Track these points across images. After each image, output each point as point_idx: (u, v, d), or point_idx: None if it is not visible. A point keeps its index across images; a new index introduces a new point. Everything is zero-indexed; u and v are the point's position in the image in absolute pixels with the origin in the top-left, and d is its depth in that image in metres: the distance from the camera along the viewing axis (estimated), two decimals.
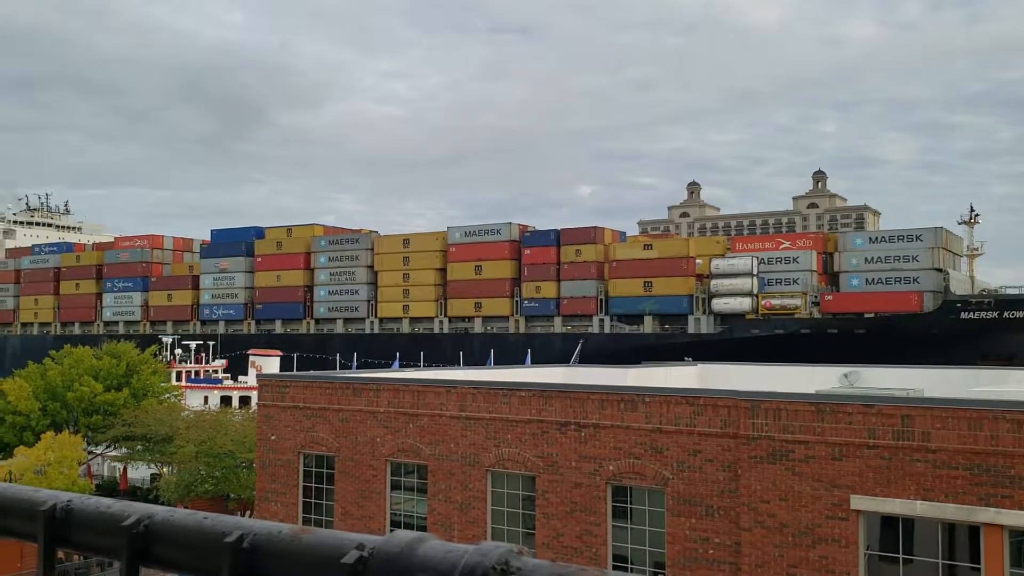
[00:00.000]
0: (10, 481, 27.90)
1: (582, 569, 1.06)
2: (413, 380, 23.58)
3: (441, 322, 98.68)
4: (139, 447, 47.28)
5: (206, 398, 63.23)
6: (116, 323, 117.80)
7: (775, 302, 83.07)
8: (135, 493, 45.86)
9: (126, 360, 57.10)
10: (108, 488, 49.57)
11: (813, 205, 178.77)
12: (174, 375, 69.32)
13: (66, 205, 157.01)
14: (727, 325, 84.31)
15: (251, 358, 69.38)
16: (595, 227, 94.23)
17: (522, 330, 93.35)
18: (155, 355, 64.24)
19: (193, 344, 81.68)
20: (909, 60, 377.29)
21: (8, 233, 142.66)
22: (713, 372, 30.77)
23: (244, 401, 61.19)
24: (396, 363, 60.14)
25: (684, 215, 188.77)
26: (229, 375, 75.44)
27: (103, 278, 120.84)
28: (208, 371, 76.45)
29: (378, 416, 22.67)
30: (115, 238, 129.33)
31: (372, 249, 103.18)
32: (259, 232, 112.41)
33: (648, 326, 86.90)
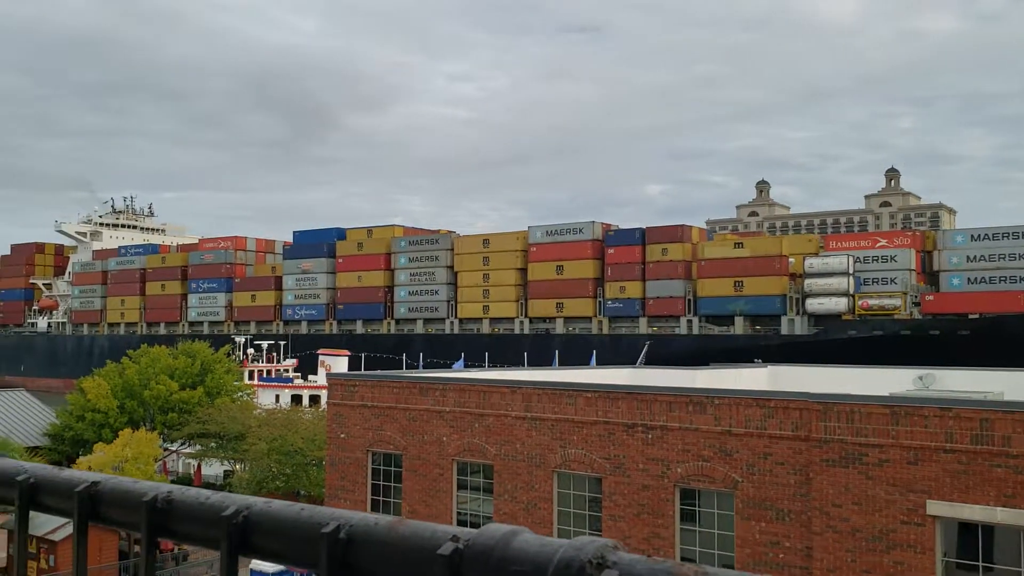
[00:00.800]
0: None
1: (679, 564, 1.07)
2: (479, 380, 24.76)
3: (522, 323, 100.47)
4: (213, 444, 50.18)
5: (277, 397, 66.44)
6: (200, 323, 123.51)
7: (873, 302, 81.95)
8: (208, 490, 48.41)
9: (200, 359, 60.44)
10: (182, 484, 52.36)
11: (886, 203, 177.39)
12: (246, 374, 72.92)
13: (150, 207, 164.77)
14: (822, 326, 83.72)
15: (320, 358, 72.35)
16: (682, 225, 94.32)
17: (605, 331, 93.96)
18: (228, 355, 67.75)
19: (265, 344, 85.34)
20: (989, 53, 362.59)
21: (95, 235, 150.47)
22: (784, 374, 31.04)
23: (314, 400, 64.11)
24: (460, 363, 61.77)
25: (753, 214, 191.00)
26: (299, 374, 78.87)
27: (188, 279, 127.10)
28: (279, 370, 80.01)
29: (444, 416, 23.92)
30: (199, 240, 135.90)
31: (452, 249, 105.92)
32: (340, 233, 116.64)
33: (739, 327, 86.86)
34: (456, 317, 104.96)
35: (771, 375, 31.62)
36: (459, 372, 35.19)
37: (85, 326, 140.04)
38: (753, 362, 37.58)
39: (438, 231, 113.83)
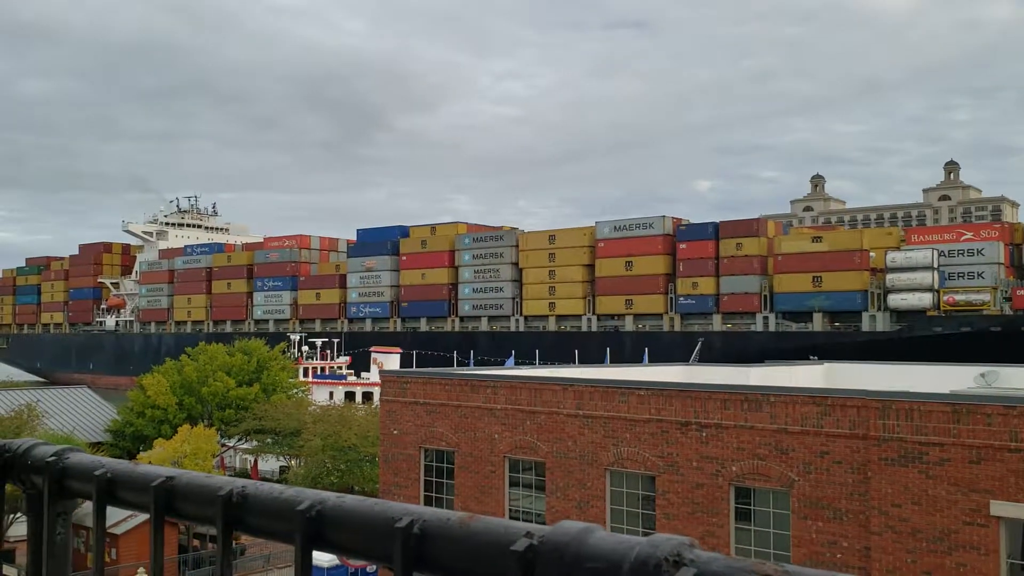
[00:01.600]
0: None
1: (759, 562, 1.08)
2: (530, 378, 25.56)
3: (589, 320, 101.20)
4: (269, 440, 52.46)
5: (331, 393, 68.86)
6: (266, 321, 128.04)
7: (959, 297, 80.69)
8: None
9: (256, 357, 62.92)
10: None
11: (945, 197, 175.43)
12: (301, 371, 75.59)
13: (214, 207, 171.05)
14: (906, 322, 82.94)
15: (373, 355, 74.63)
16: (757, 218, 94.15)
17: (677, 328, 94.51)
18: (284, 352, 70.28)
19: (319, 342, 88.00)
20: None
21: (161, 235, 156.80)
22: (840, 371, 31.11)
23: (367, 397, 66.40)
24: (510, 360, 62.76)
25: (807, 209, 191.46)
26: (352, 371, 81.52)
27: (253, 277, 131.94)
28: (333, 367, 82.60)
29: (496, 413, 24.78)
30: (264, 239, 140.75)
31: (517, 246, 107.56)
32: (403, 231, 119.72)
33: (818, 324, 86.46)
34: (521, 314, 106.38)
35: (827, 372, 31.76)
36: (510, 370, 36.06)
37: (152, 324, 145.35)
38: (808, 359, 37.61)
39: (501, 228, 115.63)
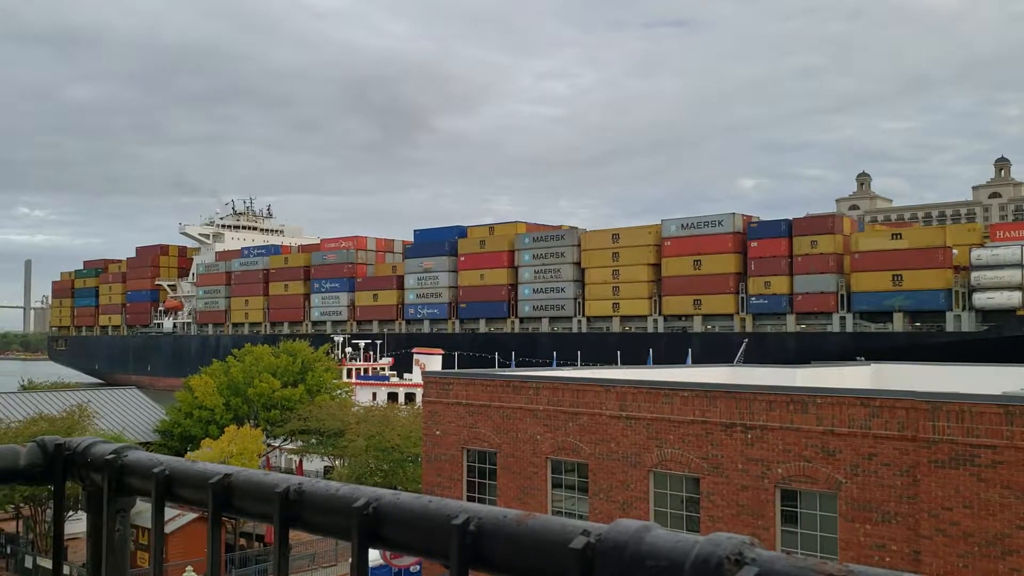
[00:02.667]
0: None
1: (822, 562, 1.08)
2: (572, 379, 25.98)
3: (655, 321, 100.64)
4: (313, 440, 53.82)
5: (374, 394, 70.28)
6: (324, 322, 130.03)
7: None
8: None
9: (301, 358, 64.54)
10: None
11: (995, 195, 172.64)
12: (344, 372, 77.21)
13: (268, 209, 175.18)
14: (992, 322, 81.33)
15: (415, 356, 75.89)
16: (833, 215, 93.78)
17: (748, 329, 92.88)
18: (327, 353, 71.78)
19: (362, 343, 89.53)
20: None
21: (217, 237, 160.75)
22: (888, 372, 30.98)
23: (409, 398, 67.70)
24: (554, 362, 62.97)
25: (853, 207, 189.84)
26: (395, 372, 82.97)
27: (310, 279, 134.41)
28: (376, 369, 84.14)
29: (538, 414, 25.26)
30: (320, 240, 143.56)
31: (579, 245, 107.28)
32: (461, 231, 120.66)
33: (898, 324, 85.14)
34: (584, 315, 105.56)
35: (875, 373, 31.66)
36: (552, 371, 36.50)
37: (210, 326, 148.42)
38: (856, 360, 37.37)
39: (560, 227, 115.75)
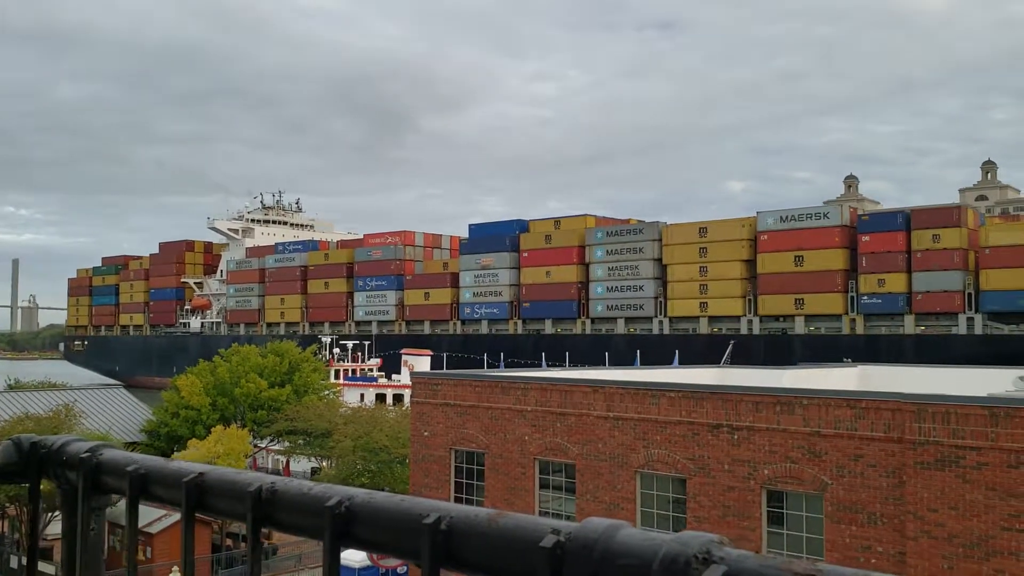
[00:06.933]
0: None
1: (790, 561, 1.07)
2: (560, 380, 25.45)
3: (750, 321, 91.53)
4: (300, 441, 52.89)
5: (362, 395, 69.35)
6: (368, 322, 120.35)
7: None
8: None
9: (288, 359, 63.59)
10: None
11: (982, 197, 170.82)
12: (332, 373, 76.13)
13: (297, 203, 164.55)
14: None
15: (403, 357, 75.06)
16: (958, 207, 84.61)
17: (859, 330, 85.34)
18: (315, 354, 70.88)
19: (350, 344, 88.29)
20: None
21: (247, 232, 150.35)
22: (875, 374, 30.70)
23: (397, 399, 66.81)
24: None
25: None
26: (383, 373, 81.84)
27: (354, 276, 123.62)
28: (364, 370, 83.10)
29: (526, 415, 24.70)
30: (364, 235, 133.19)
31: (660, 240, 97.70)
32: (522, 225, 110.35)
33: None
34: (666, 315, 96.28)
35: (861, 375, 31.36)
36: (541, 372, 35.98)
37: (242, 326, 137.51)
38: (843, 361, 37.09)
39: (628, 220, 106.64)
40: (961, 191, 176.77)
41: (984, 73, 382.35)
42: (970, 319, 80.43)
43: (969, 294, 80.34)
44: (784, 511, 20.85)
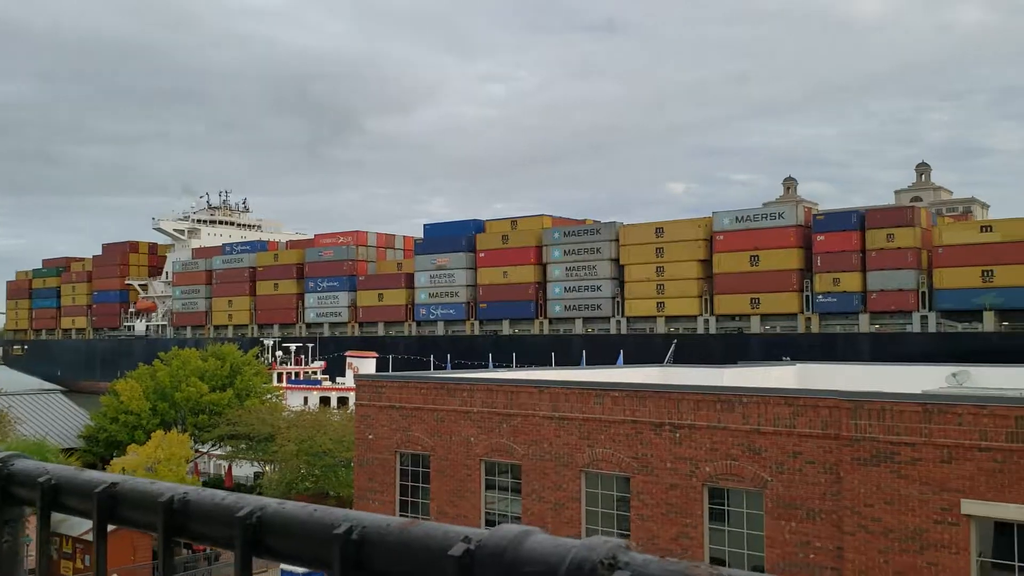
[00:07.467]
0: None
1: (693, 564, 1.09)
2: (506, 381, 25.38)
3: (707, 321, 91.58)
4: (243, 446, 51.86)
5: (306, 399, 68.07)
6: (320, 324, 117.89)
7: None
8: (239, 490, 49.95)
9: (230, 362, 62.28)
10: (214, 485, 54.03)
11: (917, 198, 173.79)
12: (275, 376, 74.68)
13: (244, 203, 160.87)
14: None
15: (348, 359, 73.98)
16: (912, 206, 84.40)
17: (815, 329, 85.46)
18: (257, 357, 69.56)
19: (293, 346, 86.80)
20: (1022, 45, 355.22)
21: (193, 232, 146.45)
22: (813, 372, 31.29)
23: (342, 402, 65.63)
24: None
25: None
26: (327, 376, 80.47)
27: (304, 277, 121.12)
28: (307, 372, 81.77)
29: (472, 416, 24.58)
30: (315, 235, 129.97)
31: (617, 240, 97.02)
32: (478, 225, 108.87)
33: (988, 323, 77.49)
34: (623, 315, 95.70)
35: (800, 373, 31.91)
36: (486, 372, 35.86)
37: (188, 328, 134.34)
38: (781, 360, 37.70)
39: (585, 221, 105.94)
40: (897, 193, 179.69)
41: (920, 76, 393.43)
42: (924, 317, 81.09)
43: (923, 292, 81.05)
44: (726, 508, 21.06)
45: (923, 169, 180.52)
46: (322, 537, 1.36)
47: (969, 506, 18.03)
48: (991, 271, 76.75)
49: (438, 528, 1.28)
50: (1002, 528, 17.93)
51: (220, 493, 1.58)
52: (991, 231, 78.74)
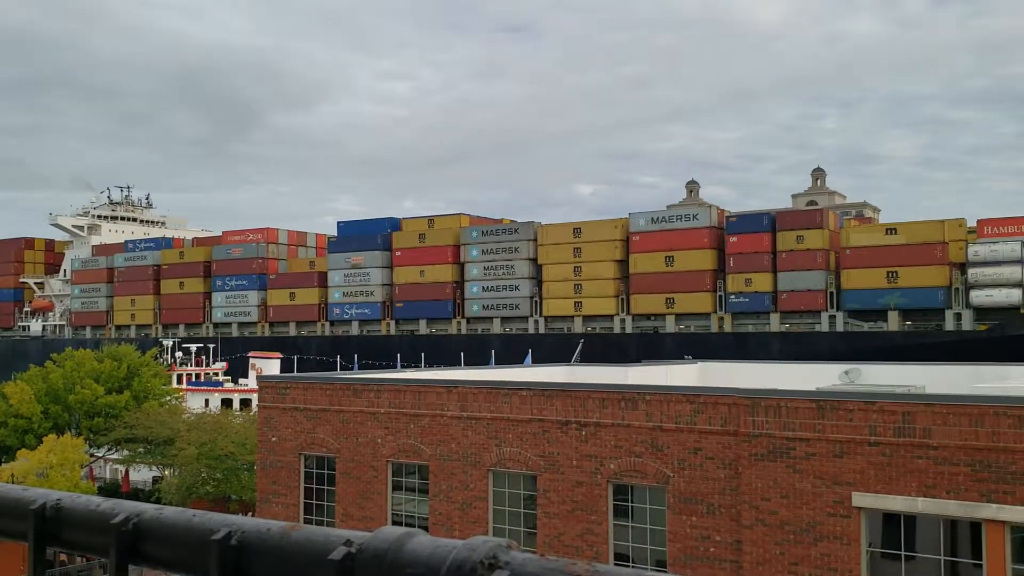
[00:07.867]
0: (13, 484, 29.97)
1: (571, 562, 1.10)
2: (414, 380, 25.16)
3: (623, 320, 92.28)
4: (140, 449, 50.09)
5: (207, 401, 66.10)
6: (228, 324, 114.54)
7: None
8: (137, 495, 48.20)
9: (127, 363, 59.98)
10: (110, 490, 51.99)
11: (812, 202, 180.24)
12: (175, 378, 72.26)
13: (147, 199, 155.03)
14: (992, 320, 77.06)
15: (251, 360, 72.16)
16: (820, 209, 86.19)
17: (727, 329, 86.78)
18: (156, 358, 67.16)
19: (193, 347, 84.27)
20: (911, 56, 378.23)
21: (93, 229, 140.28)
22: (714, 370, 32.13)
23: (245, 403, 63.96)
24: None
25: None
26: (229, 378, 78.24)
27: (212, 276, 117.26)
28: (208, 374, 79.34)
29: (379, 417, 24.28)
30: (223, 232, 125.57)
31: (535, 240, 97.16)
32: (394, 224, 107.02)
33: (893, 323, 79.86)
34: (541, 315, 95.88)
35: (701, 371, 32.72)
36: (394, 373, 35.54)
37: (88, 329, 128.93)
38: (684, 358, 38.58)
39: (502, 220, 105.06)
40: (793, 196, 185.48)
41: (813, 85, 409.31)
42: (832, 317, 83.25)
43: (831, 293, 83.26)
44: (630, 504, 21.36)
45: (819, 174, 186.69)
46: (200, 543, 1.32)
47: (859, 499, 18.71)
48: (895, 272, 79.28)
49: (320, 532, 1.26)
50: (890, 519, 18.67)
51: (96, 499, 1.51)
52: (896, 234, 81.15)
